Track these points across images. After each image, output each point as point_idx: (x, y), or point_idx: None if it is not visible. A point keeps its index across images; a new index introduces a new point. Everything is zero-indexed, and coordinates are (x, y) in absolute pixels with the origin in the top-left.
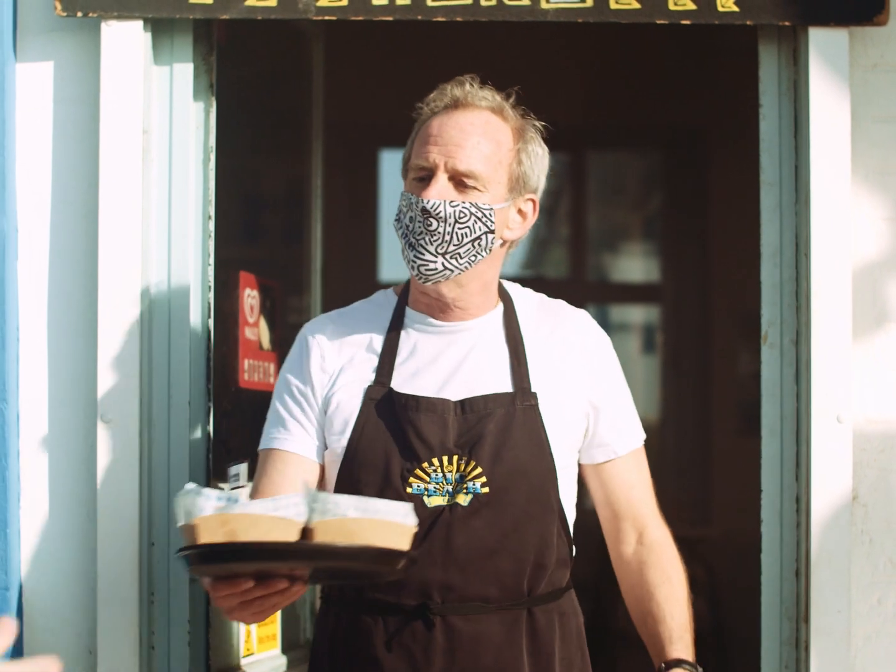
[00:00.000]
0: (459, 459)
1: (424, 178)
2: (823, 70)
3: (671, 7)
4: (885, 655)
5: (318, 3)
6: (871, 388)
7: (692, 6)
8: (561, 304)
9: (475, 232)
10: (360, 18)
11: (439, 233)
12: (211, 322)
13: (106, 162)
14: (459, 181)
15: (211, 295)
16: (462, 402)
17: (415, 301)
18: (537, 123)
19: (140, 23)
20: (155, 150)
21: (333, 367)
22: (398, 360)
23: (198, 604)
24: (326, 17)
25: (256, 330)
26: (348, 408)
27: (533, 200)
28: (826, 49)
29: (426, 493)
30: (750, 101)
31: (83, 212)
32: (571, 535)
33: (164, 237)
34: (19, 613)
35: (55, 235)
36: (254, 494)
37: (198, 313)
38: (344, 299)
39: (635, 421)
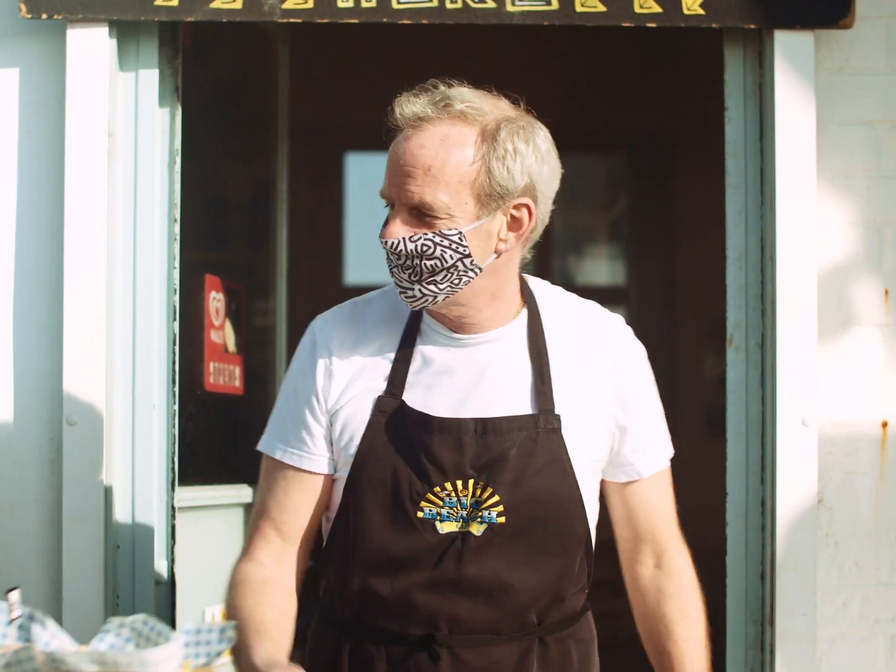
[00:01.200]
0: (475, 484)
1: (389, 207)
2: (789, 73)
3: (636, 10)
4: (851, 658)
5: (284, 6)
6: (836, 391)
7: (658, 9)
8: (593, 309)
9: (446, 261)
10: (326, 21)
11: (409, 265)
12: (176, 325)
13: (71, 165)
14: (415, 213)
15: (176, 298)
16: (480, 422)
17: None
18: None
19: (106, 28)
20: (120, 153)
21: (343, 372)
22: (412, 370)
23: (163, 606)
24: (292, 20)
25: (222, 333)
26: (357, 418)
27: (527, 206)
28: (791, 52)
29: (438, 518)
30: (715, 104)
31: (48, 215)
32: (593, 557)
33: (130, 240)
34: None
35: (20, 238)
36: (263, 510)
37: (163, 316)
38: (309, 302)
39: (663, 440)
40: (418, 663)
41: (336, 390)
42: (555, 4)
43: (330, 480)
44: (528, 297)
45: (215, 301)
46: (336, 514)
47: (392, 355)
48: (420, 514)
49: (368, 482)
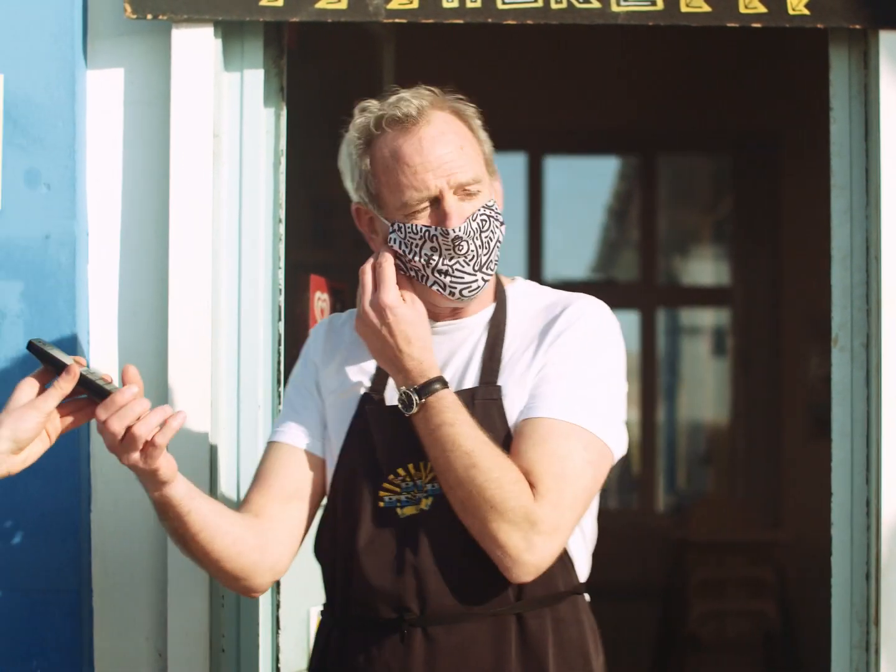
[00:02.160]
0: (426, 464)
1: (424, 208)
2: (894, 73)
3: (742, 10)
4: None
5: (388, 6)
6: None
7: (763, 9)
8: (567, 295)
9: (495, 233)
10: (431, 21)
11: (472, 251)
12: (281, 325)
13: (176, 166)
14: (465, 192)
15: (281, 298)
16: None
17: None
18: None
19: (211, 28)
20: (225, 153)
21: (334, 369)
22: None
23: (268, 606)
24: (396, 20)
25: None
26: (342, 419)
27: (495, 171)
28: None
29: (399, 504)
30: (820, 105)
31: (153, 215)
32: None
33: (235, 241)
34: (89, 616)
35: (126, 239)
36: (253, 483)
37: (268, 316)
38: None
39: (578, 399)
40: (392, 645)
41: (331, 382)
42: (660, 5)
43: (319, 461)
44: (500, 293)
45: (320, 301)
46: (323, 512)
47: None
48: (381, 504)
49: (342, 478)
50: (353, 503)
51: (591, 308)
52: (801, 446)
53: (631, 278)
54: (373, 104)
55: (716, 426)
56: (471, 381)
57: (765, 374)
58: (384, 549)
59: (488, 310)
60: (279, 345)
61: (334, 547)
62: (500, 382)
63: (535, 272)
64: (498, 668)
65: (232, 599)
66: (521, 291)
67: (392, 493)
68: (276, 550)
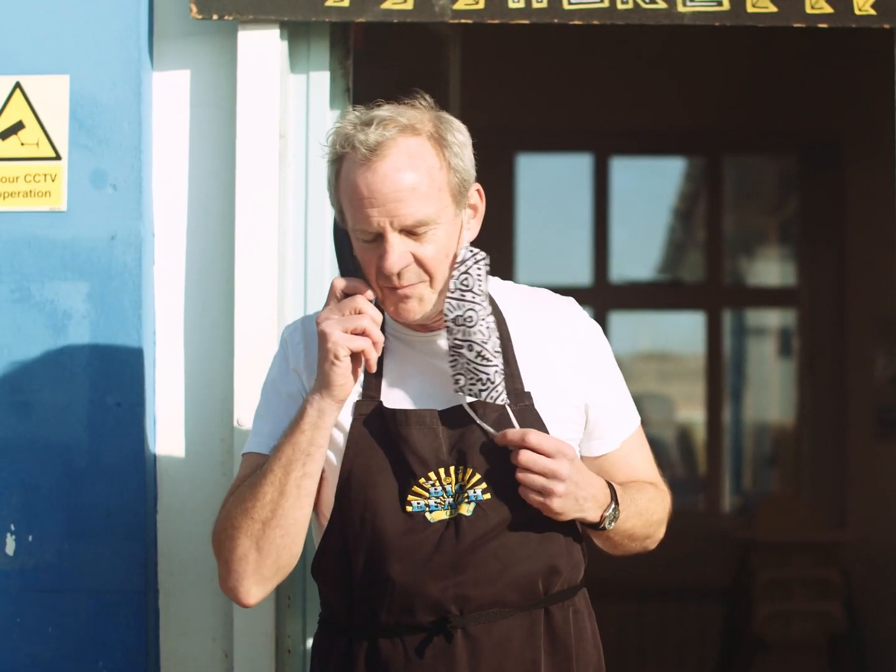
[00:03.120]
0: (456, 469)
1: (373, 239)
2: None
3: (808, 10)
4: None
5: (454, 6)
6: None
7: (829, 9)
8: (546, 294)
9: (470, 282)
10: (497, 22)
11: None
12: None
13: (243, 166)
14: (411, 231)
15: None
16: (449, 410)
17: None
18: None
19: (277, 29)
20: (291, 154)
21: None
22: (385, 372)
23: None
24: (462, 21)
25: None
26: (338, 424)
27: (478, 190)
28: None
29: (427, 509)
30: (886, 105)
31: (220, 216)
32: (580, 530)
33: (301, 242)
34: (155, 617)
35: (191, 240)
36: (229, 497)
37: None
38: None
39: (629, 408)
40: (435, 648)
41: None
42: (726, 5)
43: None
44: None
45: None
46: (329, 522)
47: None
48: (409, 508)
49: (358, 486)
50: (376, 510)
51: (583, 314)
52: (867, 447)
53: (697, 279)
54: (351, 116)
55: (781, 427)
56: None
57: (830, 375)
58: (418, 554)
59: None
60: None
61: (349, 557)
62: (527, 388)
63: (600, 273)
64: (534, 660)
65: (298, 600)
66: (500, 289)
67: (421, 498)
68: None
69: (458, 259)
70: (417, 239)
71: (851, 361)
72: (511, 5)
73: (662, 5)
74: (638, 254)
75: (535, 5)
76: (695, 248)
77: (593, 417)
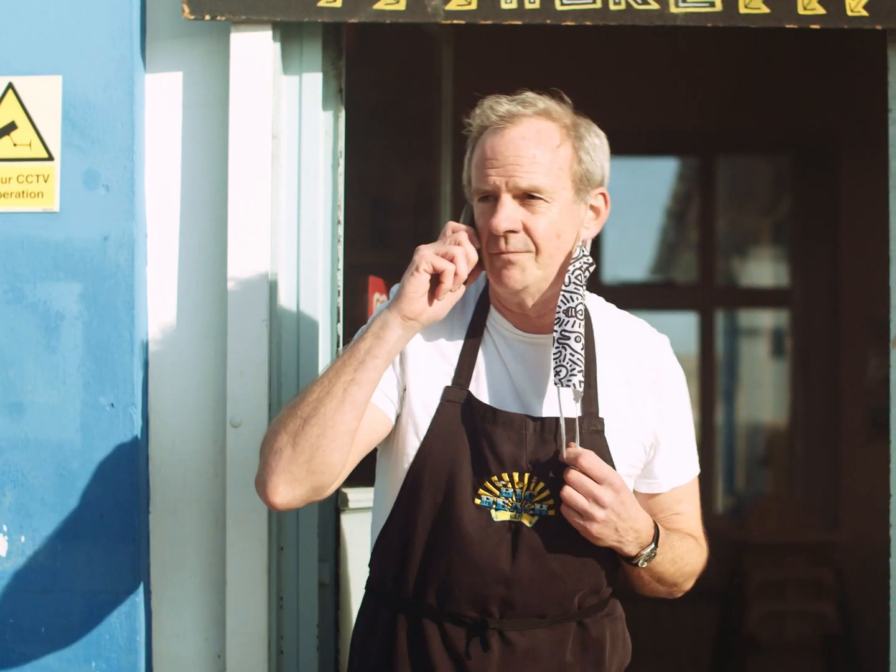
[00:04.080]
0: (530, 478)
1: (488, 199)
2: None
3: (800, 11)
4: None
5: (447, 7)
6: None
7: (821, 10)
8: (643, 328)
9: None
10: (489, 22)
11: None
12: (340, 327)
13: (235, 167)
14: (525, 198)
15: (340, 299)
16: (539, 420)
17: (497, 302)
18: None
19: (269, 30)
20: (284, 155)
21: (416, 352)
22: (478, 362)
23: (327, 608)
24: (455, 21)
25: None
26: (425, 404)
27: (603, 194)
28: None
29: (494, 506)
30: (879, 106)
31: (212, 216)
32: None
33: (293, 242)
34: (148, 618)
35: (184, 240)
36: None
37: (326, 318)
38: None
39: (691, 458)
40: (471, 644)
41: (411, 364)
42: (718, 6)
43: (388, 422)
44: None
45: (379, 302)
46: (398, 494)
47: (459, 346)
48: (477, 501)
49: (433, 467)
50: (447, 494)
51: (673, 356)
52: (860, 447)
53: (689, 280)
54: (503, 99)
55: (774, 427)
56: (565, 403)
57: (823, 376)
58: (478, 550)
59: None
60: (338, 346)
61: (412, 533)
62: (601, 415)
63: (593, 274)
64: (561, 667)
65: (291, 601)
66: (598, 308)
67: (490, 495)
68: (339, 477)
69: (575, 255)
70: (530, 208)
71: (844, 362)
72: (503, 6)
73: (655, 6)
74: (631, 254)
75: (528, 6)
76: (688, 249)
77: (653, 458)
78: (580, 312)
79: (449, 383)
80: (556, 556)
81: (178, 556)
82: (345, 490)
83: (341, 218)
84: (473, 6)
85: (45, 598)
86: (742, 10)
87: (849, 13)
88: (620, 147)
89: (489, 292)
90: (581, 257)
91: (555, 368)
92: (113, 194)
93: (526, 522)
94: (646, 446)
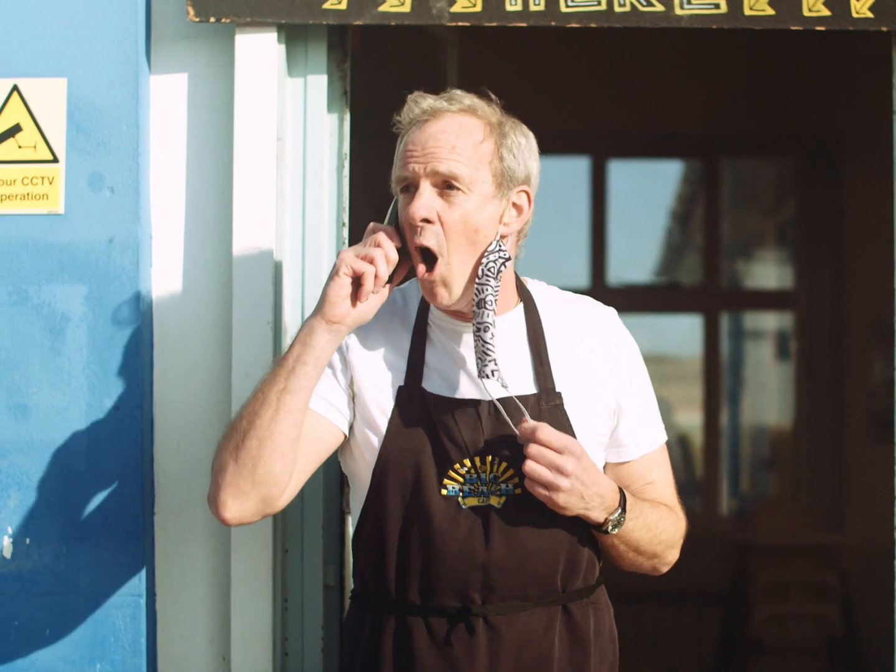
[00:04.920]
0: (492, 461)
1: (409, 189)
2: None
3: (805, 13)
4: None
5: (452, 9)
6: None
7: (826, 12)
8: (587, 301)
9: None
10: (494, 24)
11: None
12: None
13: (240, 169)
14: (443, 187)
15: None
16: (491, 403)
17: None
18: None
19: (274, 32)
20: (289, 157)
21: (359, 356)
22: (426, 359)
23: (332, 610)
24: (460, 23)
25: None
26: (379, 406)
27: (526, 192)
28: None
29: (461, 494)
30: (884, 107)
31: (217, 219)
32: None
33: (299, 244)
34: (153, 620)
35: (189, 242)
36: None
37: None
38: None
39: (657, 424)
40: (457, 633)
41: (359, 369)
42: (723, 8)
43: (339, 433)
44: (524, 292)
45: None
46: (365, 499)
47: (406, 345)
48: (444, 492)
49: (396, 465)
50: (413, 490)
51: (623, 326)
52: (864, 450)
53: (694, 282)
54: (429, 96)
55: (779, 430)
56: (522, 384)
57: (828, 378)
58: (451, 539)
59: (517, 311)
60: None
61: (383, 533)
62: (558, 389)
63: (598, 276)
64: (549, 653)
65: (296, 603)
66: (541, 291)
67: (455, 483)
68: (287, 488)
69: (489, 249)
70: (447, 199)
71: (849, 364)
72: (508, 8)
73: (660, 8)
74: (635, 256)
75: (533, 8)
76: (692, 251)
77: (619, 425)
78: (490, 303)
79: (402, 383)
80: (528, 531)
81: (182, 558)
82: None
83: (346, 220)
84: (478, 8)
85: (49, 599)
86: (747, 11)
87: (854, 15)
88: (626, 149)
89: None
90: (496, 251)
91: (477, 360)
92: (118, 196)
93: (494, 504)
94: (609, 411)
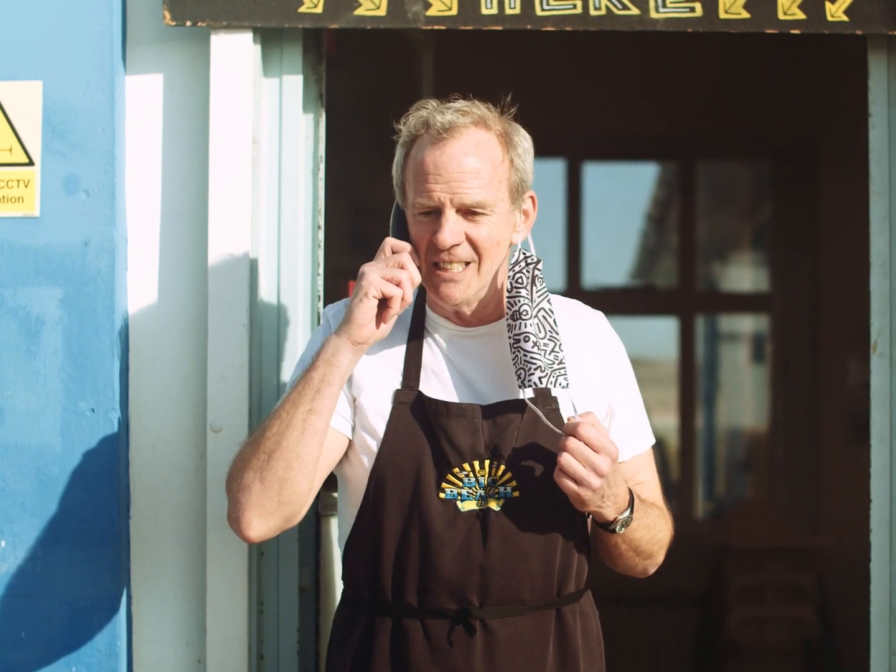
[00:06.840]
0: (491, 464)
1: (430, 213)
2: None
3: (780, 16)
4: None
5: (428, 13)
6: None
7: (801, 15)
8: (577, 305)
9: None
10: (470, 28)
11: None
12: None
13: (216, 172)
14: (468, 212)
15: (320, 304)
16: (490, 406)
17: (433, 304)
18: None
19: (250, 34)
20: (264, 160)
21: (359, 364)
22: (424, 362)
23: (307, 613)
24: (436, 27)
25: None
26: (378, 410)
27: (532, 197)
28: None
29: (459, 497)
30: (860, 111)
31: (192, 221)
32: (589, 532)
33: (274, 247)
34: (128, 623)
35: (165, 245)
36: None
37: (307, 323)
38: None
39: (646, 426)
40: (455, 636)
41: (358, 373)
42: (699, 11)
43: (346, 440)
44: None
45: None
46: (362, 501)
47: (403, 350)
48: (442, 495)
49: (394, 468)
50: (412, 493)
51: (612, 329)
52: (841, 452)
53: (670, 285)
54: (430, 105)
55: (755, 432)
56: (517, 388)
57: (804, 381)
58: (450, 542)
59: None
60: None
61: (380, 536)
62: (553, 394)
63: (573, 279)
64: (542, 656)
65: (272, 606)
66: None
67: (454, 487)
68: (308, 501)
69: (512, 261)
70: (472, 220)
71: (825, 367)
72: (484, 11)
73: (635, 11)
74: (611, 259)
75: (508, 11)
76: (668, 254)
77: (611, 427)
78: (526, 314)
79: (399, 387)
80: (525, 534)
81: (158, 560)
82: (325, 493)
83: (322, 223)
84: (454, 12)
85: (25, 602)
86: (722, 15)
87: (829, 18)
88: (600, 152)
89: (425, 295)
90: (520, 261)
91: (516, 373)
92: (93, 199)
93: (493, 507)
94: (602, 414)
